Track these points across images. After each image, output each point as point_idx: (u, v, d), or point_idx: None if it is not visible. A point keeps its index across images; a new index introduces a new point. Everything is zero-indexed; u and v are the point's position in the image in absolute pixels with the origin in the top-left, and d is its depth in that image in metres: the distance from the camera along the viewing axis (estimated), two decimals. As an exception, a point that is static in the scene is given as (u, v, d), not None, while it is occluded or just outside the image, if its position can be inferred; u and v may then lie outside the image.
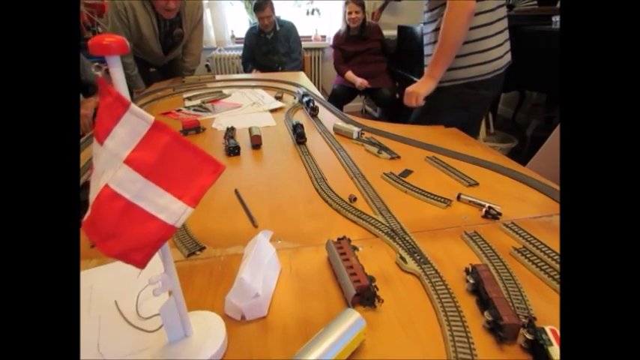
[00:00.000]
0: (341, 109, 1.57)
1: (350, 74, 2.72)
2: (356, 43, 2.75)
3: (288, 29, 2.77)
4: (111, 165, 0.25)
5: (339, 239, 0.53)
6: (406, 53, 2.86)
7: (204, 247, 0.56)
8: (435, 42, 1.11)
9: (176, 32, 1.83)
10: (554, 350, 0.36)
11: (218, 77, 2.04)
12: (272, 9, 2.61)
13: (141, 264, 0.27)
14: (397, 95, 2.78)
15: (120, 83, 0.25)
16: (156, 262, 0.32)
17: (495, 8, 1.07)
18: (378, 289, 0.45)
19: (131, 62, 1.80)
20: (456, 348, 0.39)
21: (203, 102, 1.45)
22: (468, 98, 1.16)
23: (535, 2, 2.49)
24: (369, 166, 0.84)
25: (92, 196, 0.26)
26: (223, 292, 0.45)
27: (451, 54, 1.07)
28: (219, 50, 3.30)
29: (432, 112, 1.18)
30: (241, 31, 3.36)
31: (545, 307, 0.44)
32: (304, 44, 3.14)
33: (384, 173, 0.80)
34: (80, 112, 1.48)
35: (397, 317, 0.44)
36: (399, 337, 0.41)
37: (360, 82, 2.68)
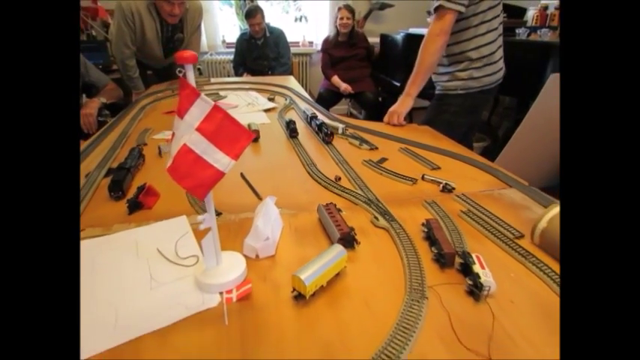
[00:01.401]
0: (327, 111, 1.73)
1: (336, 79, 2.90)
2: (343, 48, 2.93)
3: (278, 35, 2.93)
4: (187, 131, 0.40)
5: (327, 204, 0.68)
6: (388, 59, 3.06)
7: (221, 213, 0.71)
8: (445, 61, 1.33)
9: (177, 37, 1.96)
10: (477, 267, 0.52)
11: (213, 80, 2.18)
12: (262, 16, 2.77)
13: (201, 196, 0.42)
14: (380, 99, 2.97)
15: (192, 81, 0.40)
16: (172, 234, 0.47)
17: (498, 26, 1.28)
18: (356, 234, 0.60)
19: (133, 65, 1.92)
20: (411, 273, 0.55)
21: (202, 102, 1.59)
22: (479, 103, 1.37)
23: (505, 15, 2.72)
24: (351, 155, 1.01)
25: (173, 150, 0.41)
26: (240, 242, 0.60)
27: (426, 76, 1.28)
28: (211, 55, 3.43)
29: (447, 114, 1.37)
30: (232, 37, 3.50)
31: (478, 247, 0.61)
32: (293, 50, 3.30)
33: (364, 160, 0.96)
34: (86, 112, 1.60)
35: (371, 256, 0.60)
36: (372, 268, 0.57)
37: (344, 87, 2.85)
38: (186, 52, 0.39)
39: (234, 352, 0.43)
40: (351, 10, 2.82)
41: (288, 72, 2.93)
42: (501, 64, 1.36)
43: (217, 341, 0.44)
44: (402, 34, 2.92)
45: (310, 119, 1.25)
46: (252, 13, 2.71)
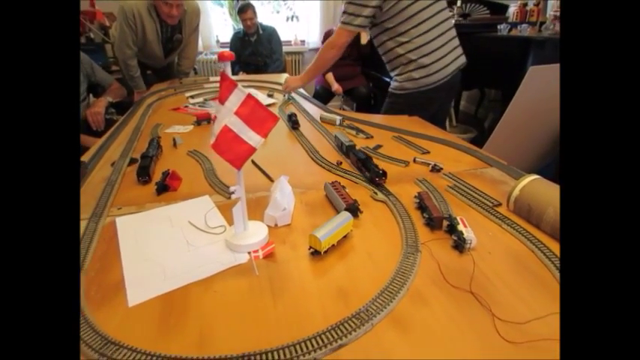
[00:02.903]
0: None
1: (330, 76, 2.99)
2: None
3: (270, 33, 3.03)
4: (227, 115, 0.50)
5: (332, 182, 0.79)
6: (378, 57, 3.17)
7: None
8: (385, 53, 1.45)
9: (176, 37, 2.04)
10: (460, 227, 0.63)
11: (212, 79, 2.26)
12: (254, 12, 2.86)
13: (238, 167, 0.52)
14: (372, 95, 3.08)
15: (230, 74, 0.50)
16: (199, 210, 0.57)
17: (438, 25, 1.34)
18: (359, 205, 0.71)
19: (135, 65, 2.00)
20: (406, 233, 0.66)
21: (205, 99, 1.68)
22: (421, 101, 1.45)
23: (487, 12, 2.86)
24: (350, 143, 1.11)
25: (216, 130, 0.51)
26: (259, 215, 0.70)
27: (320, 71, 1.56)
28: (206, 54, 3.50)
29: (397, 112, 1.47)
30: (225, 36, 3.58)
31: (462, 214, 0.71)
32: (285, 49, 3.40)
33: (361, 147, 1.07)
34: (94, 110, 1.67)
35: (372, 223, 0.70)
36: (373, 231, 0.68)
37: (336, 87, 2.95)
38: (225, 52, 0.49)
39: (266, 296, 0.53)
40: None
41: (281, 69, 3.03)
42: (438, 66, 1.37)
43: (251, 287, 0.54)
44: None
45: (347, 150, 0.96)
46: (243, 9, 2.81)
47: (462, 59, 1.47)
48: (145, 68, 2.25)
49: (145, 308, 0.50)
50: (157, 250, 0.62)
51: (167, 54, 2.13)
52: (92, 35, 2.79)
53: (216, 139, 0.50)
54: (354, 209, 0.70)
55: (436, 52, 1.37)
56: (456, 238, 0.62)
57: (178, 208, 0.75)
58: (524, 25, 2.33)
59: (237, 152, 0.51)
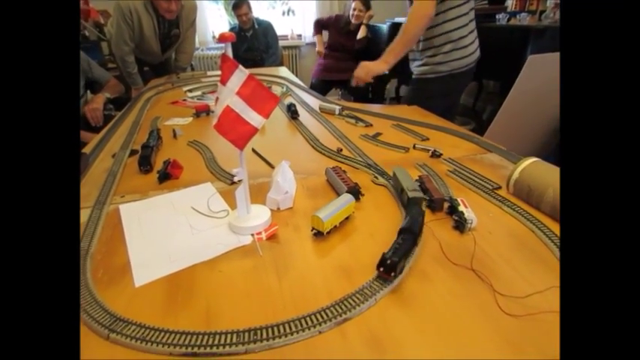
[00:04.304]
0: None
1: (319, 38, 2.99)
2: (345, 37, 2.99)
3: (266, 27, 3.02)
4: (228, 95, 0.50)
5: (333, 167, 0.79)
6: (375, 49, 3.16)
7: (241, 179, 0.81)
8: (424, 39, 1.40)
9: (173, 33, 2.04)
10: (461, 207, 0.64)
11: (209, 73, 2.26)
12: (249, 7, 2.85)
13: (241, 147, 0.53)
14: (369, 88, 3.08)
15: (230, 55, 0.50)
16: (201, 196, 0.57)
17: (468, 11, 1.37)
18: (360, 188, 0.72)
19: (132, 61, 1.99)
20: (407, 215, 0.66)
21: (204, 93, 1.68)
22: (450, 87, 1.45)
23: (486, 2, 2.85)
24: (349, 131, 1.11)
25: (218, 110, 0.51)
26: (261, 200, 0.70)
27: (408, 48, 1.36)
28: (202, 50, 3.49)
29: (422, 99, 1.45)
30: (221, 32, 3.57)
31: (461, 195, 0.72)
32: (281, 43, 3.39)
33: (361, 135, 1.07)
34: (93, 107, 1.67)
35: (373, 206, 0.71)
36: (375, 213, 0.68)
37: (319, 49, 2.99)
38: (226, 33, 0.49)
39: (271, 274, 0.53)
40: (364, 3, 2.87)
41: (278, 63, 3.02)
42: (472, 48, 1.42)
43: (255, 267, 0.55)
44: (388, 24, 3.03)
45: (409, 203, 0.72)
46: (238, 5, 2.80)
47: (479, 52, 1.49)
48: (142, 65, 2.25)
49: (151, 288, 0.51)
50: (161, 234, 0.63)
51: (164, 49, 2.13)
52: (87, 33, 2.78)
53: (218, 120, 0.51)
54: (355, 192, 0.70)
55: (471, 34, 1.39)
56: (457, 218, 0.62)
57: (181, 194, 0.76)
58: (523, 14, 2.32)
59: (239, 132, 0.52)
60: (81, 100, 1.73)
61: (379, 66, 1.36)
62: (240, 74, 0.50)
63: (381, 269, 0.49)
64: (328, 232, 0.60)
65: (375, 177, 0.80)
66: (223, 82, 0.50)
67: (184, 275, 0.53)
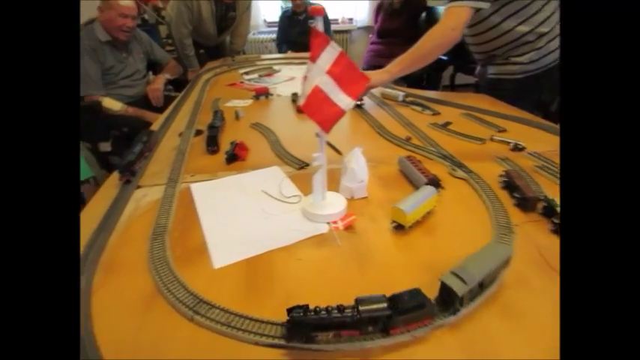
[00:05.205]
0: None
1: None
2: (395, 19, 2.84)
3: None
4: (318, 74, 0.47)
5: (407, 156, 0.74)
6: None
7: (308, 164, 0.78)
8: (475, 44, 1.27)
9: (230, 15, 2.05)
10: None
11: (263, 56, 2.26)
12: None
13: (327, 130, 0.49)
14: (425, 75, 2.93)
15: (321, 30, 0.47)
16: (269, 180, 0.54)
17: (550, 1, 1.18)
18: (440, 180, 0.66)
19: (190, 44, 2.03)
20: (496, 213, 0.60)
21: (260, 75, 1.67)
22: (540, 84, 1.26)
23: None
24: (415, 119, 1.05)
25: (307, 90, 0.48)
26: (332, 187, 0.67)
27: (418, 65, 1.17)
28: (253, 34, 3.50)
29: (502, 101, 1.24)
30: (273, 16, 3.56)
31: (554, 195, 0.65)
32: (332, 27, 3.31)
33: (430, 123, 1.00)
34: (154, 87, 1.73)
35: (454, 200, 0.65)
36: (458, 209, 0.63)
37: None
38: (317, 7, 0.45)
39: (351, 265, 0.50)
40: None
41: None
42: (558, 39, 1.21)
43: (333, 258, 0.52)
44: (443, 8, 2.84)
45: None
46: None
47: None
48: (198, 47, 2.29)
49: (230, 271, 0.50)
50: (233, 216, 0.62)
51: (220, 32, 2.15)
52: (147, 16, 2.87)
53: (306, 100, 0.48)
54: (435, 184, 0.65)
55: (557, 26, 1.21)
56: (557, 221, 0.55)
57: (250, 177, 0.74)
58: None
59: (327, 114, 0.48)
60: (143, 81, 1.80)
61: (381, 77, 1.16)
62: (332, 51, 0.46)
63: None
64: (410, 226, 0.56)
65: (453, 169, 0.74)
66: (313, 59, 0.46)
67: (262, 260, 0.52)
